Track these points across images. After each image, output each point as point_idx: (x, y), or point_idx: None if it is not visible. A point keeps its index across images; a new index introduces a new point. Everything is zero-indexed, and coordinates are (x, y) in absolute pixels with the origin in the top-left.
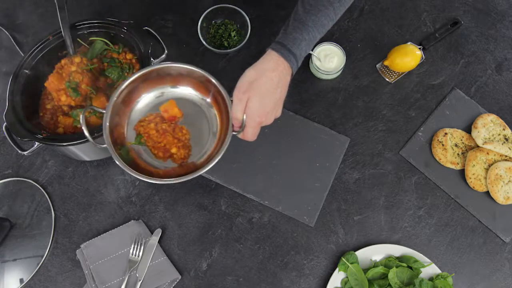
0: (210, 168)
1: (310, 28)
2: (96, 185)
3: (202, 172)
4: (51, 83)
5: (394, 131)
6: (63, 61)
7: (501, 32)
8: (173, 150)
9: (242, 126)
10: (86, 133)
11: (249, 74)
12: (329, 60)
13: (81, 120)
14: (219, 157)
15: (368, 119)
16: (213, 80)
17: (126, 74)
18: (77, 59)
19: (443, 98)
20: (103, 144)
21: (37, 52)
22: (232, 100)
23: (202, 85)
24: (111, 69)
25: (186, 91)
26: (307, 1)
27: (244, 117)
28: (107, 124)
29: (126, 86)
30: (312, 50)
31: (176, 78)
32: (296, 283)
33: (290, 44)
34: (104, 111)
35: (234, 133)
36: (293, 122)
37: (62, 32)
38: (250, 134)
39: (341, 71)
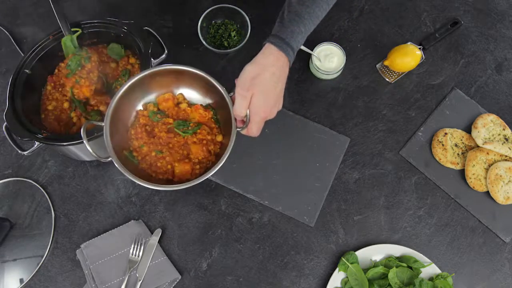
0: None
1: (306, 21)
2: (96, 185)
3: (211, 173)
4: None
5: (394, 131)
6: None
7: (501, 32)
8: (177, 171)
9: (246, 123)
10: (89, 147)
11: (250, 70)
12: (329, 60)
13: (82, 134)
14: (227, 155)
15: (368, 119)
16: (212, 80)
17: (120, 79)
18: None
19: (443, 98)
20: (108, 158)
21: (37, 52)
22: (231, 97)
23: (201, 86)
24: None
25: (187, 93)
26: None
27: (248, 113)
28: (109, 138)
29: (124, 92)
30: (312, 50)
31: (176, 80)
32: (296, 283)
33: (288, 37)
34: (103, 124)
35: (238, 129)
36: (293, 122)
37: (58, 19)
38: (255, 129)
39: (341, 71)
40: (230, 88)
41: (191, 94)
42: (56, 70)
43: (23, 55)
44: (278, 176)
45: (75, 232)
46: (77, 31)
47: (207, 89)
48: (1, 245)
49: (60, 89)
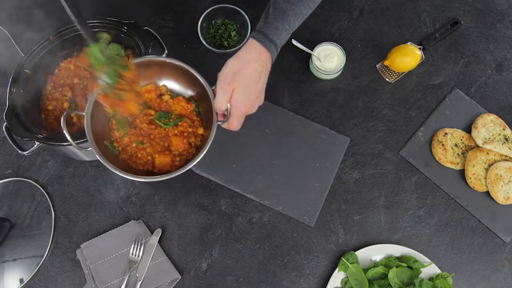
0: (210, 168)
1: (290, 18)
2: (96, 185)
3: (191, 166)
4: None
5: (394, 131)
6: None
7: (501, 32)
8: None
9: (227, 116)
10: (68, 135)
11: (233, 65)
12: (329, 60)
13: (62, 124)
14: (207, 148)
15: (368, 119)
16: (194, 72)
17: None
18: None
19: (443, 98)
20: (88, 147)
21: (37, 52)
22: (213, 90)
23: (184, 78)
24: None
25: (170, 84)
26: None
27: (229, 107)
28: (89, 127)
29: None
30: (312, 50)
31: (159, 72)
32: (296, 283)
33: (272, 34)
34: (84, 113)
35: (218, 123)
36: (293, 122)
37: (78, 26)
38: (236, 123)
39: (341, 71)
40: (213, 81)
41: (174, 86)
42: (56, 70)
43: (23, 55)
44: (278, 176)
45: (75, 232)
46: (104, 38)
47: (190, 81)
48: (1, 245)
49: (60, 89)
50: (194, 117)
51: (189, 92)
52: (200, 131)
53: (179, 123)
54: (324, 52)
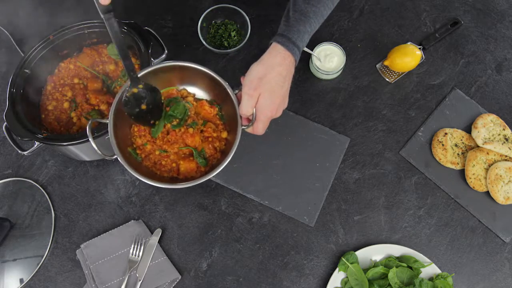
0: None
1: (312, 20)
2: (96, 185)
3: (218, 170)
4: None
5: (394, 131)
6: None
7: (501, 32)
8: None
9: (252, 121)
10: (94, 145)
11: (258, 70)
12: (329, 60)
13: (88, 133)
14: (233, 153)
15: (368, 119)
16: (216, 77)
17: (120, 80)
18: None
19: (443, 98)
20: (113, 156)
21: (37, 52)
22: (236, 94)
23: (204, 82)
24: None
25: (189, 89)
26: None
27: (254, 111)
28: (113, 135)
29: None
30: (312, 50)
31: (179, 76)
32: (296, 283)
33: (295, 37)
34: (107, 121)
35: (243, 127)
36: (293, 122)
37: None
38: (261, 128)
39: (341, 71)
40: (234, 85)
41: (193, 90)
42: (56, 70)
43: (23, 55)
44: (278, 176)
45: (75, 232)
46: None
47: (210, 85)
48: (1, 245)
49: (60, 89)
50: (217, 121)
51: (209, 97)
52: (224, 135)
53: (203, 128)
54: (324, 52)
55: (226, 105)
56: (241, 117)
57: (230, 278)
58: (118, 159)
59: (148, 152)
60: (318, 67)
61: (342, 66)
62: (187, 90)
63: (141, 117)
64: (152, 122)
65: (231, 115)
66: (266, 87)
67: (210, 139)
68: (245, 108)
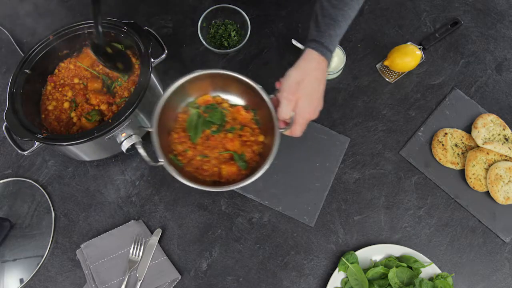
0: None
1: (341, 23)
2: (96, 185)
3: (261, 173)
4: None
5: (394, 131)
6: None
7: (501, 32)
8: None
9: (290, 124)
10: (144, 154)
11: (295, 75)
12: None
13: (141, 152)
14: (274, 155)
15: (368, 119)
16: (251, 83)
17: (120, 80)
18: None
19: (443, 98)
20: (159, 162)
21: (37, 52)
22: (271, 99)
23: (236, 88)
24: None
25: (225, 96)
26: None
27: (292, 114)
28: (158, 143)
29: (168, 97)
30: None
31: (211, 83)
32: (296, 283)
33: (327, 42)
34: (151, 129)
35: (280, 130)
36: None
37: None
38: (299, 130)
39: (341, 71)
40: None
41: (227, 97)
42: (56, 70)
43: (23, 55)
44: (278, 176)
45: (75, 232)
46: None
47: (244, 91)
48: (1, 245)
49: (60, 89)
50: (253, 125)
51: (241, 101)
52: (261, 138)
53: (241, 132)
54: None
55: (260, 109)
56: (278, 120)
57: (230, 278)
58: (164, 166)
59: (190, 157)
60: None
61: (342, 66)
62: (221, 97)
63: (108, 58)
64: (118, 67)
65: (265, 119)
66: (304, 92)
67: (248, 143)
68: (285, 112)
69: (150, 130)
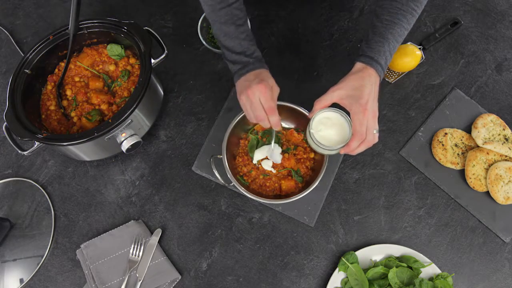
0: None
1: (390, 41)
2: (96, 185)
3: (315, 185)
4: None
5: (394, 131)
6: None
7: (501, 32)
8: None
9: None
10: (217, 174)
11: (367, 91)
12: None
13: (212, 166)
14: (324, 169)
15: None
16: (301, 109)
17: (120, 80)
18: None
19: (443, 98)
20: (231, 183)
21: (37, 52)
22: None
23: (286, 113)
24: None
25: (282, 123)
26: (383, 16)
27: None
28: (228, 167)
29: (233, 126)
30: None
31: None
32: (296, 283)
33: (376, 56)
34: (222, 156)
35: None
36: None
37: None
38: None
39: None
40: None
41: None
42: (56, 70)
43: (23, 55)
44: None
45: (75, 232)
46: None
47: (293, 115)
48: (1, 245)
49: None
50: (304, 145)
51: (292, 125)
52: (312, 155)
53: (295, 152)
54: (325, 121)
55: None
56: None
57: (230, 278)
58: (235, 185)
59: (254, 177)
60: (317, 139)
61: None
62: None
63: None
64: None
65: None
66: (371, 110)
67: (302, 160)
68: (360, 130)
69: (220, 157)
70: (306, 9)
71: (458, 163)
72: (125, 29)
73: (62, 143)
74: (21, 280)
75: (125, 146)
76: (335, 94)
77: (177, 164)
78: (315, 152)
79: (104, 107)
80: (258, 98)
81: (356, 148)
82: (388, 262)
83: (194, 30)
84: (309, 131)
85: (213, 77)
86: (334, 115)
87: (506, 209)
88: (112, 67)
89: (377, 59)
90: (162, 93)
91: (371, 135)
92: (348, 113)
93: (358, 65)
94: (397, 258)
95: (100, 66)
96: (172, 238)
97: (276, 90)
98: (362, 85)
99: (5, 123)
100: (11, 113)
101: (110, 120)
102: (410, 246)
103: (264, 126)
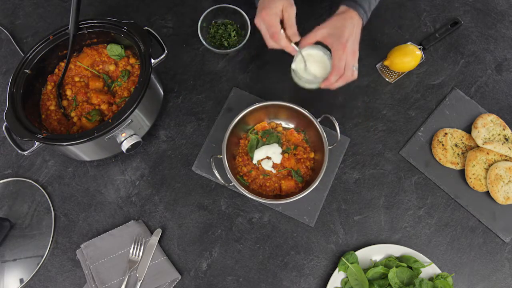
0: (210, 168)
1: None
2: (96, 185)
3: (315, 185)
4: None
5: (394, 131)
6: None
7: (501, 32)
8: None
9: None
10: (219, 177)
11: (347, 30)
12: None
13: (212, 166)
14: (324, 169)
15: (368, 119)
16: (300, 109)
17: (120, 80)
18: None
19: (443, 98)
20: (231, 183)
21: (37, 52)
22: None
23: (286, 113)
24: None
25: (278, 122)
26: None
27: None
28: (228, 167)
29: (233, 127)
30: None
31: (265, 112)
32: (296, 283)
33: (360, 0)
34: (222, 156)
35: (322, 84)
36: None
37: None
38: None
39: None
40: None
41: (279, 122)
42: (56, 70)
43: (23, 55)
44: None
45: (75, 232)
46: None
47: (293, 115)
48: (1, 245)
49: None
50: (304, 145)
51: (292, 125)
52: (312, 155)
53: (295, 152)
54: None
55: (309, 130)
56: (325, 138)
57: (230, 278)
58: (235, 185)
59: (254, 177)
60: (299, 73)
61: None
62: (275, 122)
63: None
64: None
65: (314, 138)
66: (351, 49)
67: (302, 160)
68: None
69: (220, 157)
70: (306, 9)
71: (458, 163)
72: (125, 29)
73: (62, 143)
74: (21, 280)
75: (125, 146)
76: (318, 32)
77: (177, 164)
78: (298, 85)
79: (104, 107)
80: (275, 11)
81: (335, 82)
82: (388, 262)
83: (194, 30)
84: (293, 67)
85: (213, 77)
86: (317, 52)
87: (506, 209)
88: (112, 67)
89: (360, 3)
90: (162, 93)
91: (350, 70)
92: (331, 52)
93: (342, 7)
94: (397, 258)
95: (100, 66)
96: (172, 238)
97: (293, 9)
98: (344, 25)
99: (5, 123)
100: (11, 113)
101: (110, 120)
102: (410, 246)
103: (280, 45)
